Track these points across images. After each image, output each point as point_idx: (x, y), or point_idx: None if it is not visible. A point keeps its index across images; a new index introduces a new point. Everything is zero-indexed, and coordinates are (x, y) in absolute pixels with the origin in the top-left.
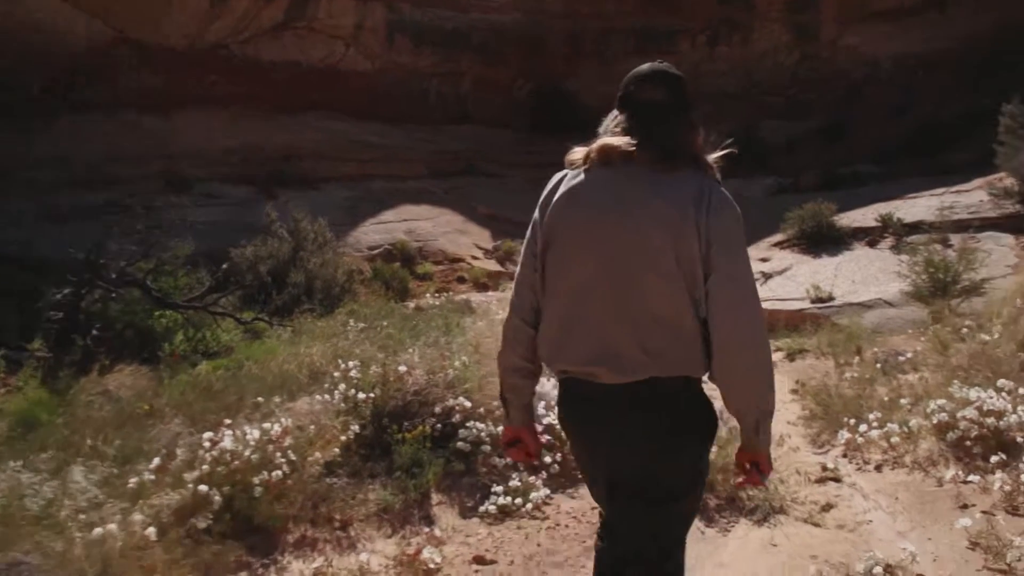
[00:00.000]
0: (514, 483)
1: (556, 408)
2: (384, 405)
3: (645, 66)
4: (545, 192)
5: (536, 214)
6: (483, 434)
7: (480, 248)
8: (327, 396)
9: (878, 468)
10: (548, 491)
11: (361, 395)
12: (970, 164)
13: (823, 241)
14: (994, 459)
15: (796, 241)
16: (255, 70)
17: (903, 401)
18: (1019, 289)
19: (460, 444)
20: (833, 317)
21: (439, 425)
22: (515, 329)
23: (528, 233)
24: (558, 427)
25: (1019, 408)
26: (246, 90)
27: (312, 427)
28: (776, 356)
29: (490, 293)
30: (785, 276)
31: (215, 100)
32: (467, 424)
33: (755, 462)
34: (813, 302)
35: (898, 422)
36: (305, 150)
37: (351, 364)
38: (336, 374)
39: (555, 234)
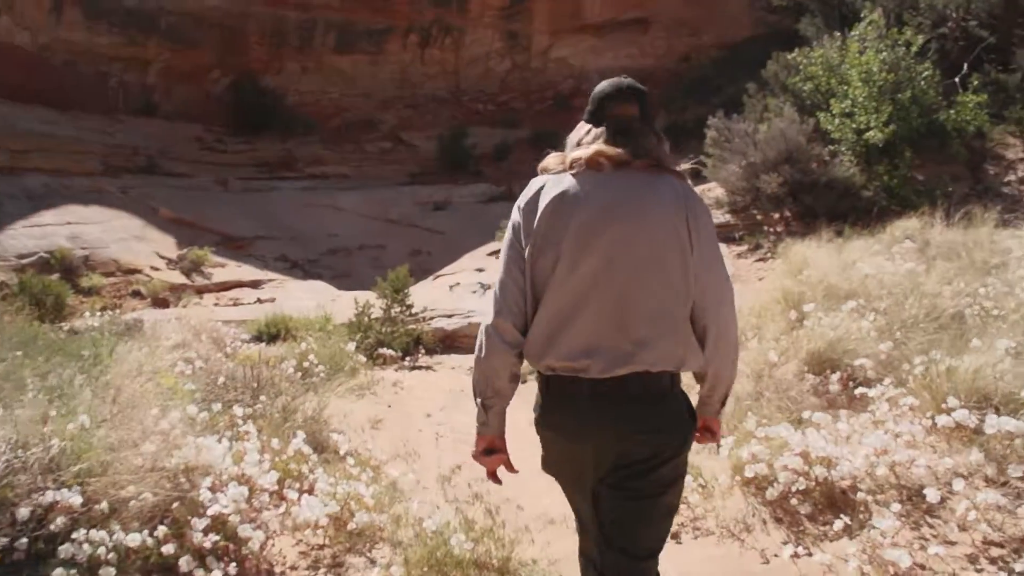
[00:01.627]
0: None
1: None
2: None
3: (610, 82)
4: (527, 196)
5: (518, 218)
6: (104, 548)
7: (162, 257)
8: None
9: (675, 536)
10: None
11: None
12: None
13: None
14: (837, 524)
15: None
16: None
17: None
18: (777, 297)
19: (59, 572)
20: None
21: (24, 539)
22: (502, 332)
23: (509, 238)
24: (233, 519)
25: (845, 450)
26: None
27: None
28: None
29: (170, 310)
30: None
31: None
32: (74, 535)
33: (710, 428)
34: None
35: (692, 473)
36: None
37: None
38: None
39: (550, 237)
